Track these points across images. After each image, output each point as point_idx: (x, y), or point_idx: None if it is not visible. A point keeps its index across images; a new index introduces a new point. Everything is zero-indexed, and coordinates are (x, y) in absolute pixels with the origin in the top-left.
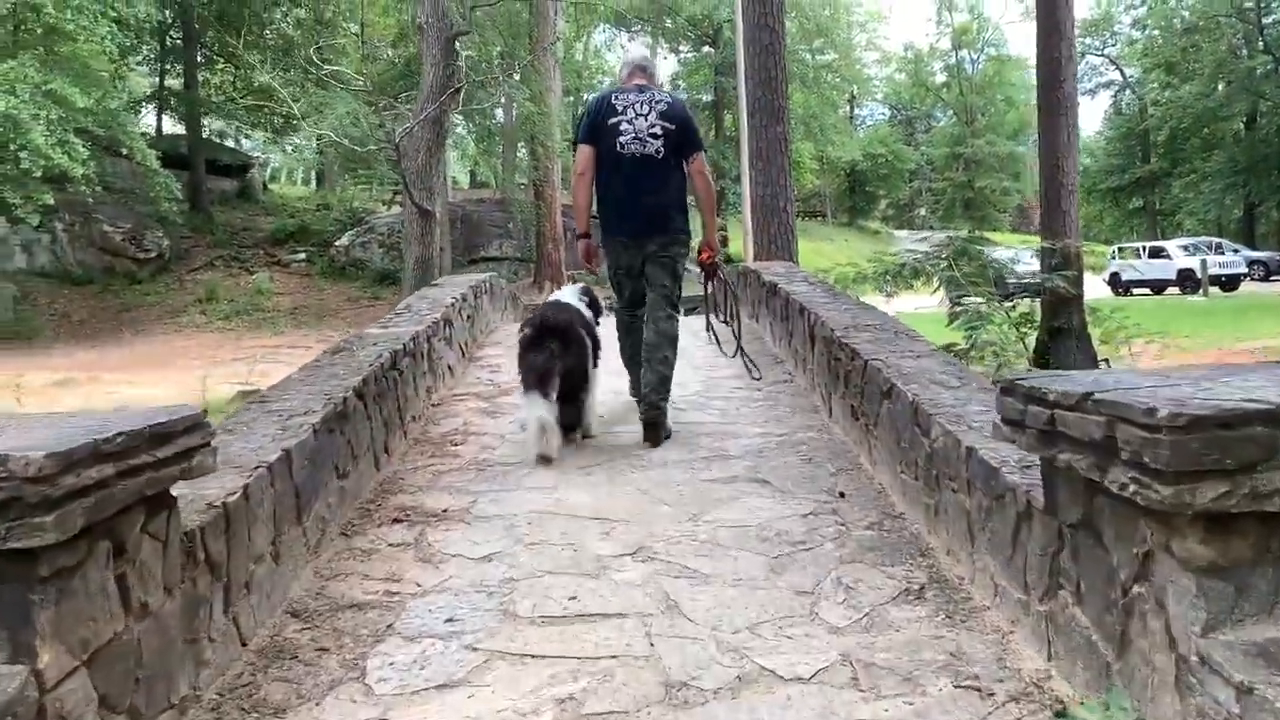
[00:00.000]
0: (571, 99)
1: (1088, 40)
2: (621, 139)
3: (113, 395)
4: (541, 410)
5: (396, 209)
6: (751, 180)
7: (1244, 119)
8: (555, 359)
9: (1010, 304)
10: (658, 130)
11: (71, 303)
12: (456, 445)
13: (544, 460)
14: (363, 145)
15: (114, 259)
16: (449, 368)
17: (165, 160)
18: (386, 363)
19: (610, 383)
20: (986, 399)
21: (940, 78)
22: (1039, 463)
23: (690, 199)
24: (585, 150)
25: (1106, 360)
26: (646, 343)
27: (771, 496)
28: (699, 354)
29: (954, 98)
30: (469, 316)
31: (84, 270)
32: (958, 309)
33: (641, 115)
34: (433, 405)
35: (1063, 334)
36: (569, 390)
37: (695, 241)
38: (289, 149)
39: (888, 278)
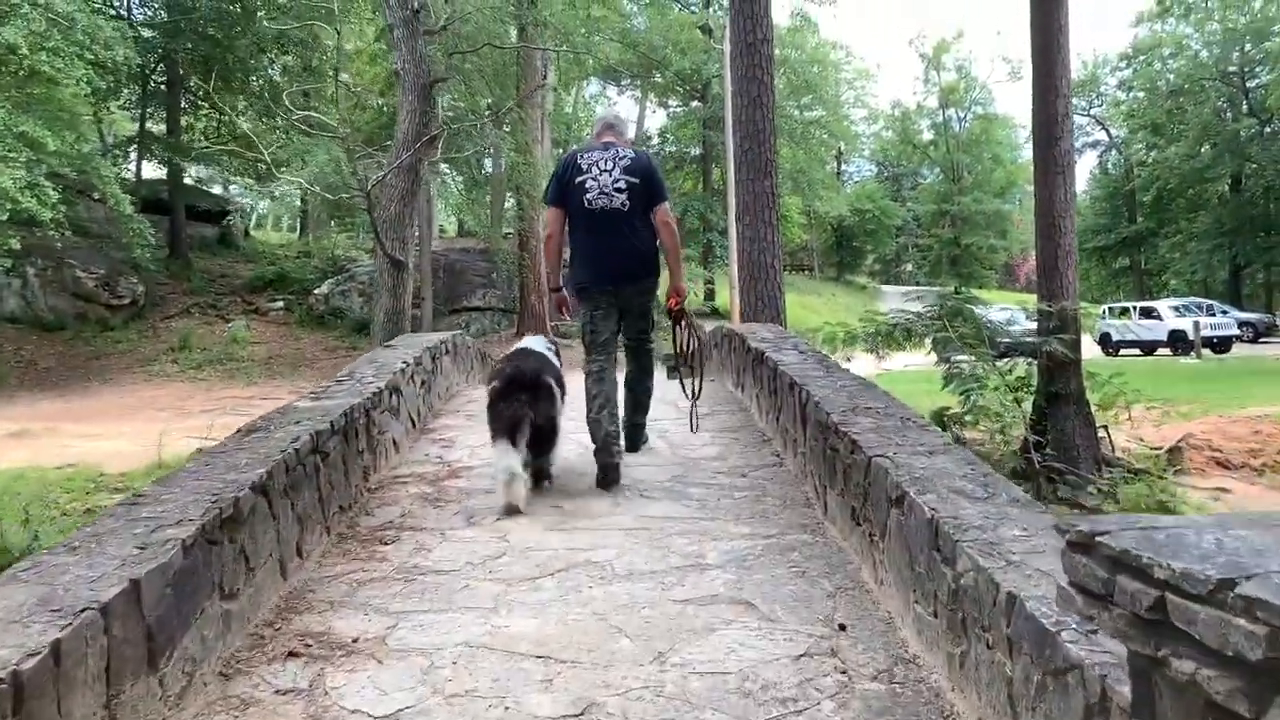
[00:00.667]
0: (560, 150)
1: (1075, 100)
2: (588, 195)
3: (67, 450)
4: (511, 460)
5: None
6: (739, 235)
7: (1230, 180)
8: (526, 409)
9: (1006, 364)
10: (622, 184)
11: (39, 349)
12: (387, 545)
13: (512, 510)
14: (334, 193)
15: (86, 305)
16: (394, 443)
17: (145, 205)
18: (306, 447)
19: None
20: (1025, 520)
21: (928, 135)
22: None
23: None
24: (555, 212)
25: (1105, 428)
26: (628, 377)
27: (757, 627)
28: (675, 430)
29: (941, 155)
30: (423, 382)
31: (55, 316)
32: (954, 371)
33: (606, 171)
34: (369, 490)
35: (1061, 399)
36: (539, 440)
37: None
38: (270, 196)
39: (879, 338)
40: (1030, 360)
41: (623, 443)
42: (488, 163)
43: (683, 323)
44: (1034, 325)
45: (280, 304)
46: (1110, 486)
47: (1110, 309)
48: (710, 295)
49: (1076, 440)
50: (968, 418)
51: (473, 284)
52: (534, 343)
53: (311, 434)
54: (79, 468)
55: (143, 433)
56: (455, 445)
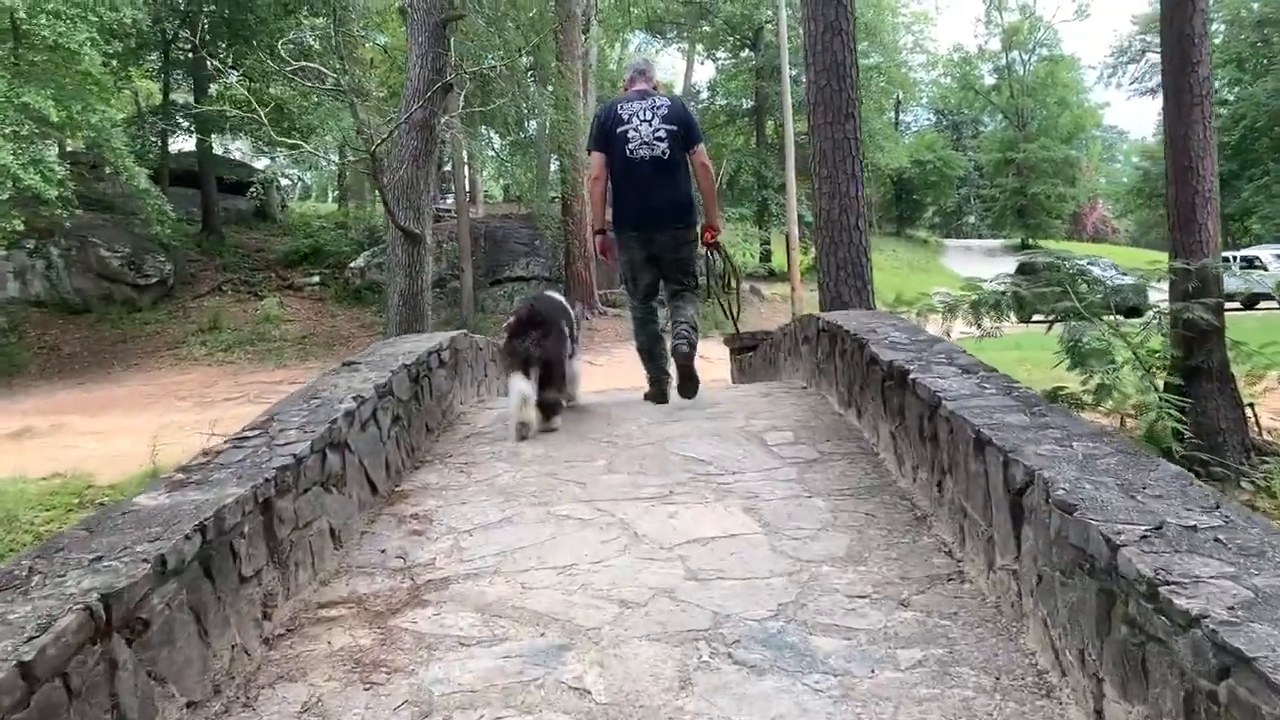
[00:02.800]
0: None
1: (1146, 37)
2: (630, 145)
3: (66, 452)
4: (523, 385)
5: None
6: (815, 191)
7: None
8: (535, 346)
9: (1137, 333)
10: (662, 133)
11: (64, 334)
12: None
13: (522, 429)
14: (342, 158)
15: (112, 286)
16: (331, 535)
17: (176, 179)
18: (81, 633)
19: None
20: None
21: (989, 80)
22: None
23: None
24: (598, 156)
25: (1252, 406)
26: (675, 336)
27: None
28: (768, 491)
29: (1005, 101)
30: (396, 418)
31: (81, 298)
32: (1077, 345)
33: (646, 121)
34: (267, 640)
35: (1201, 375)
36: (547, 375)
37: None
38: (301, 164)
39: (984, 308)
40: (1125, 315)
41: (687, 352)
42: (531, 124)
43: (716, 254)
44: (1127, 278)
45: (316, 279)
46: (1266, 479)
47: (1233, 256)
48: (766, 256)
49: (1220, 423)
50: (1087, 398)
51: (515, 253)
52: (551, 291)
53: (120, 590)
54: (68, 477)
55: (158, 428)
56: (432, 528)
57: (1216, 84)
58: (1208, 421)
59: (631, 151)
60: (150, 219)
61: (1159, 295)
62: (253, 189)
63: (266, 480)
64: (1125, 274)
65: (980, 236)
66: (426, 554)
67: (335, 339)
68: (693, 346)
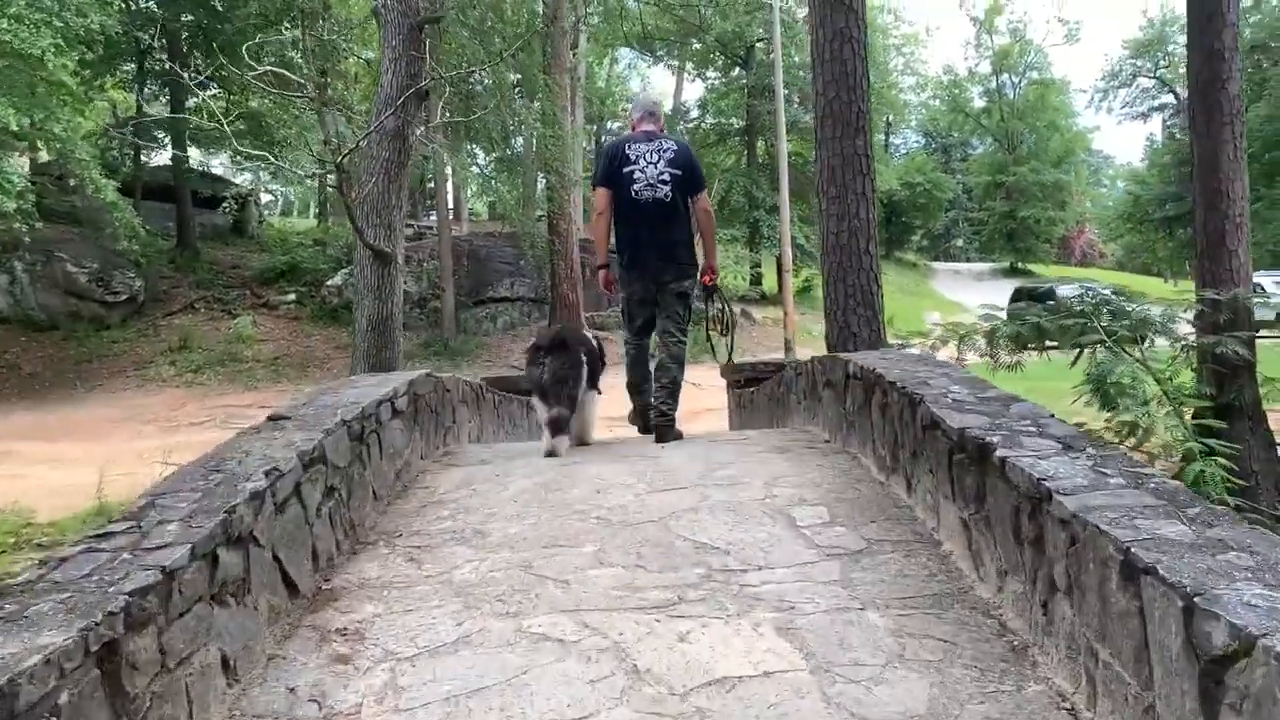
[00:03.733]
0: (594, 127)
1: (1138, 62)
2: (635, 186)
3: (13, 483)
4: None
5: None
6: (822, 212)
7: None
8: (548, 369)
9: (1165, 368)
10: (666, 176)
11: (25, 352)
12: None
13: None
14: (308, 171)
15: (79, 303)
16: (223, 665)
17: (150, 192)
18: None
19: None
20: None
21: (979, 103)
22: None
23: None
24: (603, 192)
25: None
26: (659, 364)
27: None
28: (805, 599)
29: (995, 124)
30: (332, 489)
31: (46, 315)
32: (1103, 379)
33: (651, 163)
34: None
35: (1232, 413)
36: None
37: None
38: (274, 177)
39: (1001, 339)
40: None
41: (670, 403)
42: (517, 141)
43: (714, 297)
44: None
45: (291, 297)
46: None
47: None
48: (757, 280)
49: (1254, 465)
50: (1109, 435)
51: (499, 272)
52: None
53: None
54: (6, 513)
55: (116, 454)
56: (364, 651)
57: None
58: (1241, 463)
59: (636, 193)
60: (119, 234)
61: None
62: (226, 203)
63: (111, 614)
64: (1148, 305)
65: (968, 260)
66: (350, 696)
67: (309, 360)
68: (670, 412)
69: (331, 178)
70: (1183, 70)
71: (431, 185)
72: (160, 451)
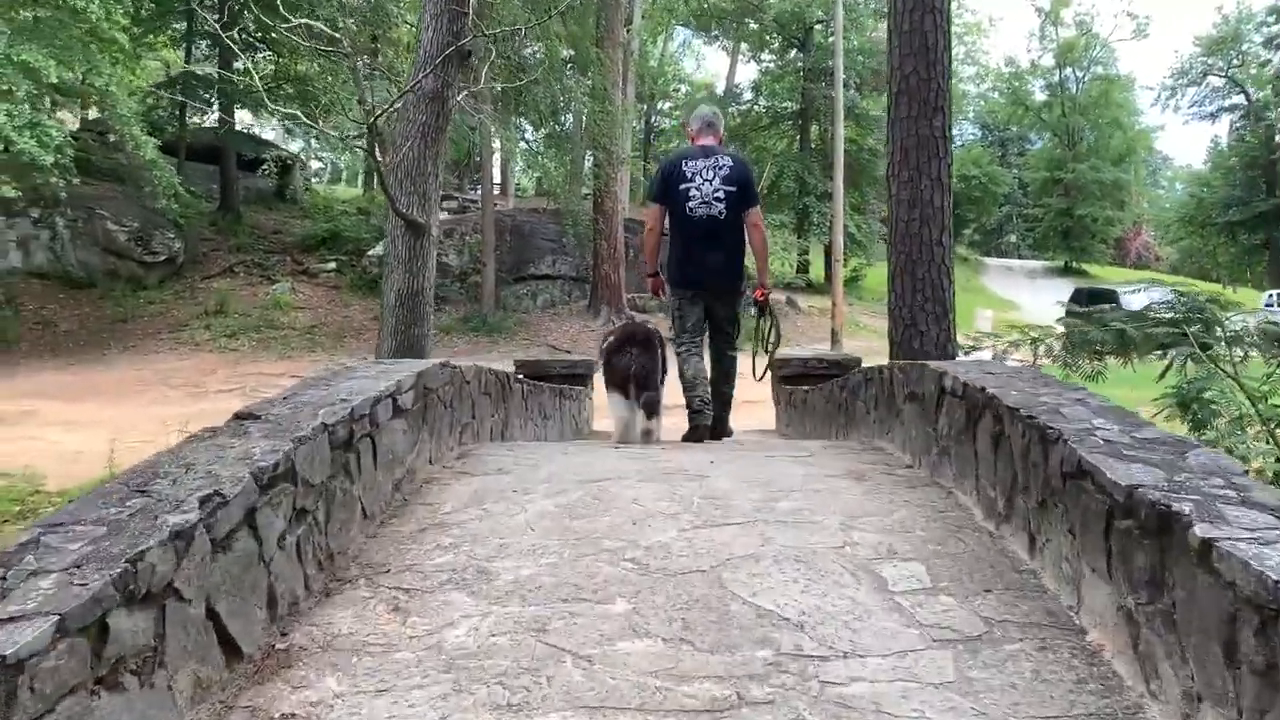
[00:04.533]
0: (645, 106)
1: (1209, 60)
2: (690, 204)
3: (30, 445)
4: (623, 410)
5: (443, 215)
6: (891, 197)
7: None
8: (635, 360)
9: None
10: (721, 194)
11: (62, 309)
12: None
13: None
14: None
15: (118, 261)
16: None
17: (195, 153)
18: None
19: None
20: None
21: (1040, 96)
22: None
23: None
24: (656, 209)
25: None
26: (712, 382)
27: None
28: (898, 701)
29: (1055, 118)
30: (303, 511)
31: (85, 272)
32: (1194, 397)
33: (707, 180)
34: None
35: None
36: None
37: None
38: (318, 141)
39: (1079, 349)
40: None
41: (723, 410)
42: (567, 118)
43: (766, 313)
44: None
45: (332, 265)
46: None
47: (1276, 295)
48: (804, 268)
49: None
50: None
51: (541, 249)
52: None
53: None
54: (15, 478)
55: (137, 419)
56: None
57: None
58: None
59: (691, 210)
60: (158, 192)
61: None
62: (265, 166)
63: None
64: (1243, 314)
65: (1020, 256)
66: None
67: (346, 330)
68: (725, 415)
69: (364, 141)
70: (1253, 70)
71: (478, 158)
72: (184, 418)
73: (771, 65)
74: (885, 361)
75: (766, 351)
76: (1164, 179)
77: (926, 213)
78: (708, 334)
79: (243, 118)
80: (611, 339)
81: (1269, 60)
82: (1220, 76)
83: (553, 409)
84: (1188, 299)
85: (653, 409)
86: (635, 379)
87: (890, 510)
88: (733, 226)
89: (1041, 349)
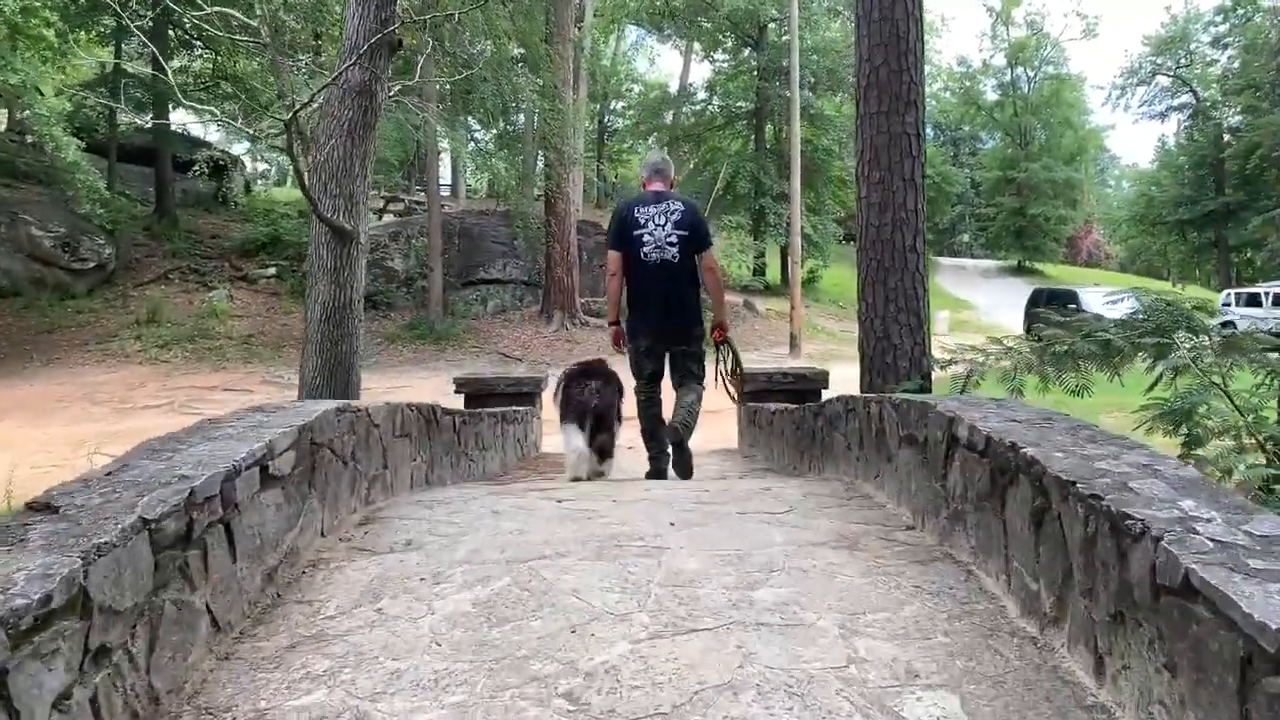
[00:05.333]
0: (598, 106)
1: (1158, 60)
2: (644, 249)
3: None
4: (578, 441)
5: (388, 217)
6: (860, 200)
7: None
8: (593, 396)
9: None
10: (674, 238)
11: None
12: None
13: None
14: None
15: (44, 269)
16: None
17: (128, 155)
18: None
19: None
20: None
21: (992, 96)
22: None
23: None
24: (615, 255)
25: None
26: (675, 416)
27: None
28: None
29: (1007, 118)
30: (105, 649)
31: (8, 280)
32: (1194, 418)
33: (660, 225)
34: None
35: None
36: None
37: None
38: (254, 142)
39: (1057, 358)
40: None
41: (686, 432)
42: (519, 117)
43: (724, 350)
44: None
45: (272, 271)
46: None
47: (1236, 295)
48: (760, 271)
49: None
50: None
51: (491, 253)
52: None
53: None
54: None
55: (52, 440)
56: None
57: (1229, 111)
58: None
59: (645, 255)
60: (82, 197)
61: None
62: (196, 167)
63: None
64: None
65: (973, 256)
66: None
67: (285, 339)
68: (687, 428)
69: (283, 139)
70: (1199, 70)
71: (425, 158)
72: (104, 438)
73: (725, 64)
74: (853, 373)
75: (729, 384)
76: (1111, 178)
77: (899, 216)
78: (670, 375)
79: (182, 118)
80: (572, 370)
81: (1216, 60)
82: (1169, 76)
83: (492, 438)
84: (1174, 306)
85: (606, 452)
86: (592, 417)
87: (901, 602)
88: (687, 270)
89: (1018, 361)
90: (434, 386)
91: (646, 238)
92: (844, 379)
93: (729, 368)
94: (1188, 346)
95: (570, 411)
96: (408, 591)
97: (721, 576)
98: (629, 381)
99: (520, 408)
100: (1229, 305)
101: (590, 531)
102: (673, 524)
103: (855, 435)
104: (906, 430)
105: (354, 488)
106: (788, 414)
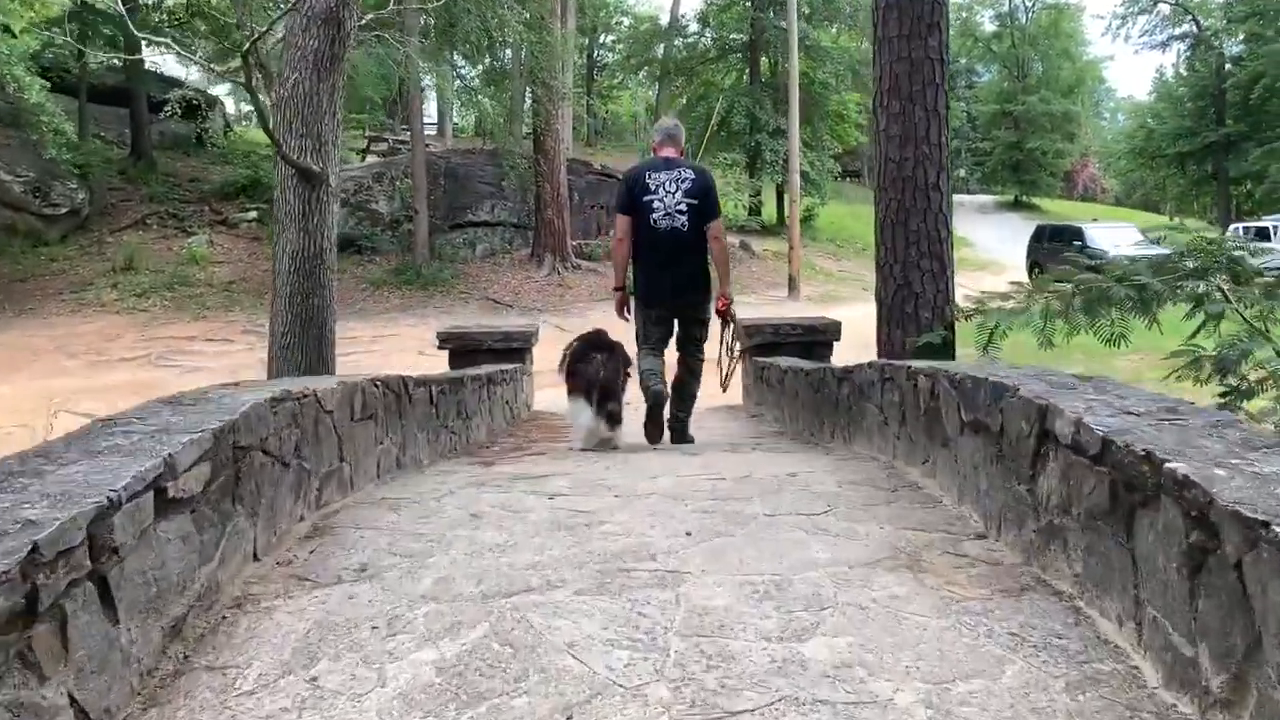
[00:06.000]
0: (586, 40)
1: None
2: (654, 215)
3: None
4: (585, 415)
5: (371, 158)
6: (877, 133)
7: None
8: (599, 368)
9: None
10: (683, 206)
11: None
12: None
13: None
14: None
15: (14, 215)
16: None
17: (101, 96)
18: None
19: None
20: None
21: (989, 27)
22: None
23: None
24: (624, 219)
25: None
26: (677, 379)
27: None
28: None
29: (1004, 50)
30: None
31: None
32: (1230, 359)
33: (670, 193)
34: None
35: None
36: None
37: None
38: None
39: (1087, 303)
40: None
41: (686, 410)
42: (506, 53)
43: (730, 321)
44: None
45: (253, 214)
46: None
47: (1245, 229)
48: (756, 210)
49: None
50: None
51: (479, 194)
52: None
53: None
54: None
55: (21, 396)
56: None
57: (1232, 41)
58: None
59: (655, 222)
60: (49, 140)
61: None
62: (168, 108)
63: None
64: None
65: (970, 191)
66: None
67: (267, 286)
68: (685, 417)
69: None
70: None
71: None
72: (72, 395)
73: None
74: (857, 315)
75: (731, 357)
76: (1106, 110)
77: (921, 151)
78: (675, 339)
79: (157, 57)
80: (575, 345)
81: None
82: (1170, 4)
83: (477, 404)
84: (1215, 244)
85: (615, 419)
86: (599, 389)
87: (998, 660)
88: (695, 238)
89: (1047, 308)
90: (420, 335)
91: (657, 204)
92: (849, 323)
93: (730, 343)
94: (1228, 290)
95: (578, 385)
96: (354, 648)
97: (758, 619)
98: (632, 347)
99: (510, 365)
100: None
101: (589, 548)
102: (689, 534)
103: (894, 409)
104: (972, 415)
105: (300, 491)
106: (803, 374)
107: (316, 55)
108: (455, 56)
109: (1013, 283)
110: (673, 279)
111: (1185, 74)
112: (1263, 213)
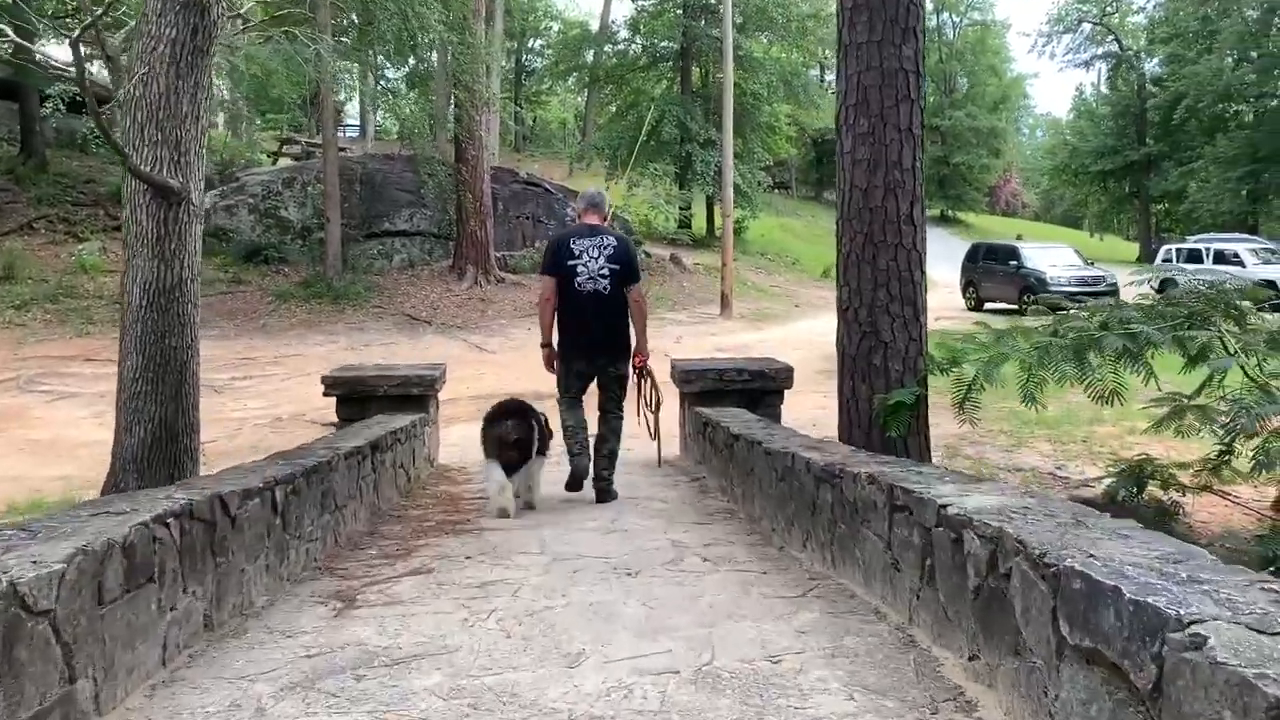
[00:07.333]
0: (515, 44)
1: (1084, 7)
2: (578, 279)
3: None
4: (499, 474)
5: (284, 161)
6: (843, 155)
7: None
8: (510, 431)
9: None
10: (605, 271)
11: None
12: None
13: (502, 512)
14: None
15: None
16: None
17: None
18: None
19: None
20: None
21: None
22: None
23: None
24: (550, 280)
25: None
26: (599, 437)
27: None
28: None
29: (932, 65)
30: None
31: None
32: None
33: (594, 258)
34: None
35: None
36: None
37: None
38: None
39: (1072, 354)
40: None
41: (609, 469)
42: (432, 55)
43: (648, 378)
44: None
45: None
46: None
47: (1177, 251)
48: (686, 224)
49: None
50: (1176, 471)
51: (397, 201)
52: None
53: None
54: None
55: None
56: None
57: (1153, 61)
58: None
59: (579, 285)
60: None
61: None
62: (49, 101)
63: None
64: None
65: None
66: None
67: None
68: (609, 476)
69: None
70: (1131, 16)
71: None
72: None
73: (649, 1)
74: (793, 336)
75: (653, 413)
76: (1025, 125)
77: (893, 178)
78: (597, 401)
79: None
80: (491, 411)
81: (1142, 8)
82: (1093, 23)
83: (354, 486)
84: (1214, 286)
85: (529, 475)
86: (515, 449)
87: None
88: (617, 301)
89: (1028, 357)
90: (327, 355)
91: (580, 268)
92: (783, 343)
93: (650, 398)
94: (1232, 339)
95: (490, 447)
96: None
97: None
98: (553, 411)
99: (407, 418)
100: (1169, 262)
101: None
102: None
103: (912, 555)
104: (1078, 638)
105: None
106: (761, 451)
107: (175, 46)
108: (378, 57)
109: (976, 324)
110: (591, 339)
111: (1107, 93)
112: (1182, 232)
